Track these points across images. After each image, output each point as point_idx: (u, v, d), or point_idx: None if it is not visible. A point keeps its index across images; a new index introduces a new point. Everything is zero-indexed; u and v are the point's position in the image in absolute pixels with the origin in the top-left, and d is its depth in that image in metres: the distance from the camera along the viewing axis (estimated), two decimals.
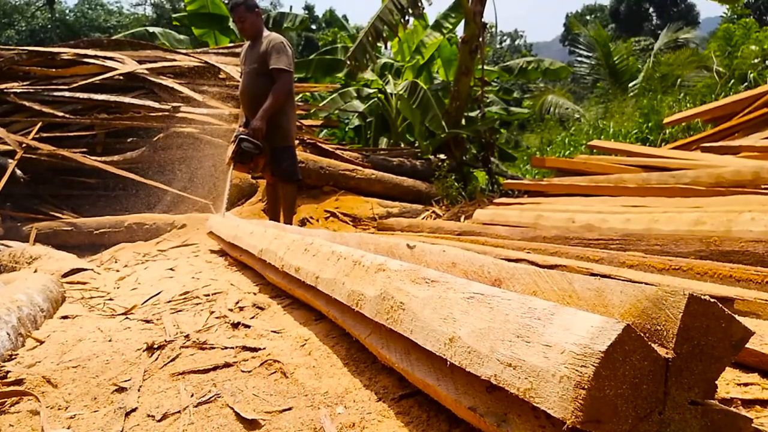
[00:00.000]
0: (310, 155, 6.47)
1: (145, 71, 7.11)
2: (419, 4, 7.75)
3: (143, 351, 1.85)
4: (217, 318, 2.23)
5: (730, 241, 2.22)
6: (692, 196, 3.48)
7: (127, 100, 6.83)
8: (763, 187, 3.37)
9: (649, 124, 9.06)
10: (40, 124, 6.48)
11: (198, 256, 4.07)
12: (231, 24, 10.20)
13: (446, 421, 1.17)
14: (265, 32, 4.20)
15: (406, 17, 7.80)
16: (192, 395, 1.45)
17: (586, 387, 0.70)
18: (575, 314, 0.81)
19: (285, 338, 1.92)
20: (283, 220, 4.28)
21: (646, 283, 1.22)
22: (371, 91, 10.51)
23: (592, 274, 1.88)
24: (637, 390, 0.74)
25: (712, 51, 11.43)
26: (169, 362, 1.72)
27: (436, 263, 1.59)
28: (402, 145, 9.38)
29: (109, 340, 2.01)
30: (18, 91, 6.78)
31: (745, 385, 1.24)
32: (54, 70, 7.16)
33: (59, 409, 1.44)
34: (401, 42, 10.34)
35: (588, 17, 38.84)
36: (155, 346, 1.86)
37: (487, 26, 8.17)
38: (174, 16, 13.10)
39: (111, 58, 7.28)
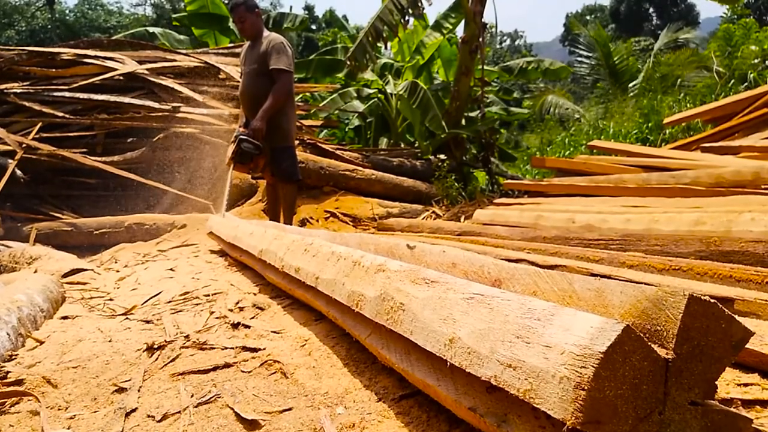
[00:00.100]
0: (310, 155, 6.47)
1: (145, 71, 7.11)
2: (419, 5, 7.75)
3: (143, 351, 1.85)
4: (217, 318, 2.23)
5: (730, 241, 2.22)
6: (692, 197, 3.48)
7: (127, 100, 6.84)
8: (763, 187, 3.37)
9: (649, 125, 9.06)
10: (40, 125, 6.48)
11: (198, 257, 4.07)
12: (231, 24, 10.20)
13: (446, 422, 1.17)
14: (265, 32, 4.20)
15: (406, 17, 7.80)
16: (192, 395, 1.45)
17: (586, 388, 0.70)
18: (575, 315, 0.81)
19: (285, 338, 1.92)
20: (283, 220, 4.28)
21: (646, 284, 1.22)
22: (371, 91, 10.51)
23: (592, 275, 1.88)
24: (637, 390, 0.74)
25: (712, 51, 11.43)
26: (169, 362, 1.72)
27: (436, 263, 1.59)
28: (402, 146, 9.38)
29: (109, 341, 2.01)
30: (18, 91, 6.78)
31: (745, 385, 1.24)
32: (54, 70, 7.17)
33: (59, 409, 1.44)
34: (401, 42, 10.35)
35: (588, 17, 38.85)
36: (155, 346, 1.86)
37: (487, 26, 8.17)
38: (174, 16, 13.10)
39: (111, 59, 7.28)
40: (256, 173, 4.87)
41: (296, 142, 5.24)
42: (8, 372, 1.65)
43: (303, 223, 5.51)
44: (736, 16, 11.91)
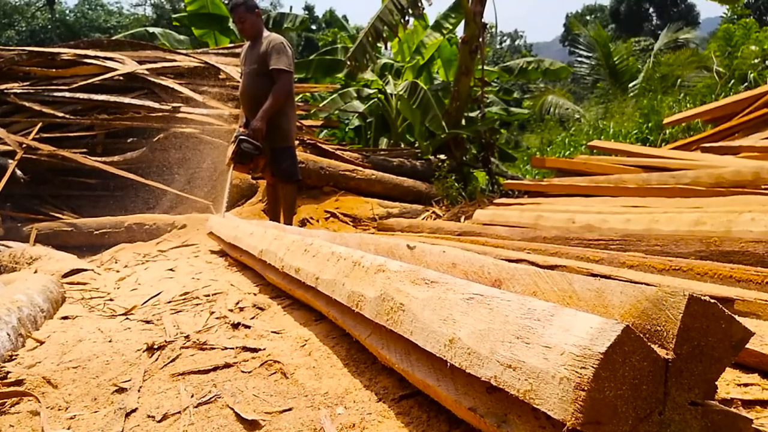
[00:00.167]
0: (311, 156, 6.47)
1: (145, 72, 7.11)
2: (419, 5, 7.75)
3: (143, 351, 1.85)
4: (217, 318, 2.23)
5: (730, 241, 2.22)
6: (692, 197, 3.48)
7: (127, 100, 6.84)
8: (763, 187, 3.37)
9: (649, 125, 9.06)
10: (40, 125, 6.48)
11: (198, 257, 4.07)
12: (231, 24, 10.19)
13: (446, 422, 1.17)
14: (265, 33, 4.20)
15: (406, 17, 7.80)
16: (192, 396, 1.45)
17: (585, 388, 0.70)
18: (575, 315, 0.81)
19: (285, 339, 1.92)
20: (283, 220, 4.28)
21: (647, 284, 1.22)
22: (371, 91, 10.51)
23: (592, 275, 1.88)
24: (637, 391, 0.74)
25: (712, 51, 11.43)
26: (169, 363, 1.72)
27: (437, 264, 1.59)
28: (402, 146, 9.38)
29: (110, 341, 2.01)
30: (18, 91, 6.79)
31: (746, 385, 1.24)
32: (54, 70, 7.17)
33: (59, 409, 1.44)
34: (401, 42, 10.35)
35: (588, 17, 38.86)
36: (155, 346, 1.86)
37: (487, 26, 8.17)
38: (174, 16, 13.11)
39: (111, 59, 7.28)
40: (256, 173, 4.88)
41: (296, 142, 5.24)
42: (8, 372, 1.65)
43: (303, 223, 5.51)
44: (736, 16, 11.90)
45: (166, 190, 6.27)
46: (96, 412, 1.42)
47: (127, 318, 2.37)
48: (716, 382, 0.82)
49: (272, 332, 2.00)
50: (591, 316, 0.80)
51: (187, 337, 1.96)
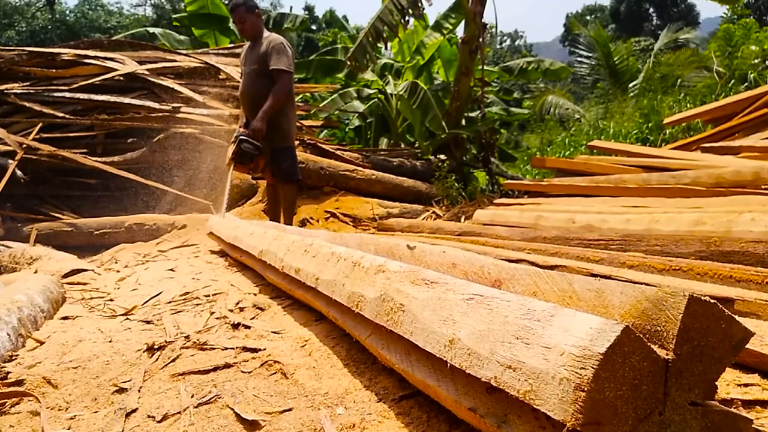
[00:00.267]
0: (311, 156, 6.47)
1: (146, 72, 7.12)
2: (419, 5, 7.75)
3: (143, 352, 1.85)
4: (217, 319, 2.23)
5: (731, 241, 2.21)
6: (692, 197, 3.47)
7: (127, 100, 6.84)
8: (763, 187, 3.37)
9: (650, 125, 9.05)
10: (40, 125, 6.48)
11: (198, 257, 4.07)
12: (231, 25, 10.20)
13: (446, 422, 1.17)
14: (266, 33, 4.20)
15: (406, 18, 7.80)
16: (192, 396, 1.45)
17: (585, 389, 0.70)
18: (574, 315, 0.81)
19: (285, 339, 1.92)
20: (284, 220, 4.28)
21: (647, 284, 1.22)
22: (371, 91, 10.51)
23: (593, 275, 1.88)
24: (636, 391, 0.74)
25: (712, 51, 11.43)
26: (169, 363, 1.72)
27: (437, 264, 1.59)
28: (402, 146, 9.38)
29: (110, 341, 2.01)
30: (18, 91, 6.79)
31: (746, 385, 1.24)
32: (54, 70, 7.17)
33: (59, 409, 1.44)
34: (401, 42, 10.35)
35: (588, 17, 38.87)
36: (155, 346, 1.86)
37: (487, 27, 8.17)
38: (174, 16, 13.11)
39: (111, 59, 7.28)
40: (257, 173, 4.88)
41: (296, 142, 5.24)
42: (8, 372, 1.65)
43: (303, 223, 5.51)
44: (736, 16, 11.90)
45: (167, 191, 6.27)
46: (96, 412, 1.42)
47: (127, 318, 2.37)
48: (716, 383, 0.82)
49: (272, 332, 2.00)
50: (591, 316, 0.80)
51: (187, 337, 1.96)
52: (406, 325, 1.16)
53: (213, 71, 7.53)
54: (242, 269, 3.31)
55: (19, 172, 5.92)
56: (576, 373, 0.72)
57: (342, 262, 1.66)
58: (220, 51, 8.35)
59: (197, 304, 2.51)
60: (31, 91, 6.84)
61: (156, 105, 6.82)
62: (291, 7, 48.83)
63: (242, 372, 1.61)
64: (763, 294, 1.66)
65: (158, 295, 2.77)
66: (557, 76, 11.23)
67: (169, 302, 2.61)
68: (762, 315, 1.55)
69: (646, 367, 0.74)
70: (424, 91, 8.72)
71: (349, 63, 7.88)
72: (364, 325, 1.48)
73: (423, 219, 5.76)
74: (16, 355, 1.85)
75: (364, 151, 7.79)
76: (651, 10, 36.97)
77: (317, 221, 5.65)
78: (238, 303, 2.46)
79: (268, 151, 4.11)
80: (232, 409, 1.35)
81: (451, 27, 10.11)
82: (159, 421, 1.33)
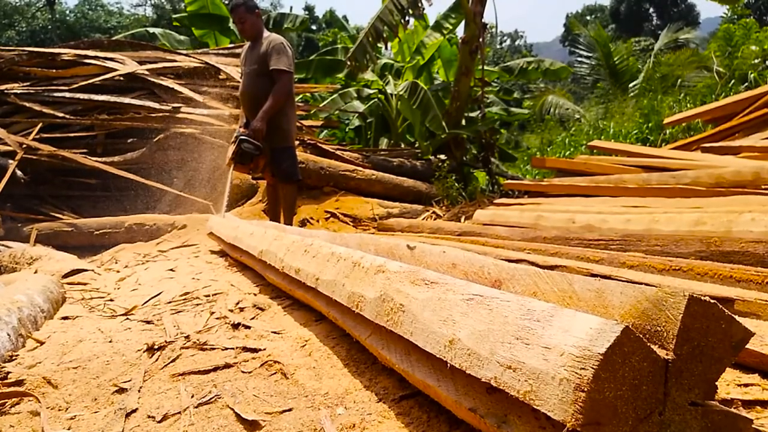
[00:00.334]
0: (311, 156, 6.47)
1: (146, 72, 7.12)
2: (419, 5, 7.75)
3: (143, 352, 1.85)
4: (217, 319, 2.23)
5: (731, 241, 2.21)
6: (692, 197, 3.47)
7: (127, 100, 6.84)
8: (763, 187, 3.37)
9: (650, 125, 9.05)
10: (40, 125, 6.48)
11: (198, 257, 4.07)
12: (231, 25, 10.20)
13: (446, 422, 1.17)
14: (266, 33, 4.20)
15: (407, 18, 7.80)
16: (192, 396, 1.45)
17: (585, 389, 0.70)
18: (574, 316, 0.81)
19: (285, 339, 1.92)
20: (284, 220, 4.28)
21: (647, 284, 1.22)
22: (371, 91, 10.52)
23: (593, 275, 1.88)
24: (636, 391, 0.74)
25: (712, 51, 11.42)
26: (169, 363, 1.72)
27: (437, 264, 1.59)
28: (402, 146, 9.38)
29: (110, 341, 2.01)
30: (18, 91, 6.79)
31: (746, 385, 1.24)
32: (54, 70, 7.17)
33: (59, 409, 1.44)
34: (401, 42, 10.35)
35: (588, 17, 38.88)
36: (155, 346, 1.86)
37: (488, 27, 8.16)
38: (174, 16, 13.11)
39: (111, 59, 7.28)
40: (257, 173, 4.88)
41: (296, 142, 5.24)
42: (9, 372, 1.65)
43: (303, 223, 5.51)
44: (736, 16, 11.90)
45: (167, 191, 6.27)
46: (96, 412, 1.42)
47: (127, 318, 2.37)
48: (716, 383, 0.82)
49: (272, 332, 2.00)
50: (590, 316, 0.80)
51: (187, 337, 1.96)
52: (406, 326, 1.16)
53: (213, 71, 7.53)
54: (242, 269, 3.32)
55: (19, 172, 5.92)
56: (576, 373, 0.72)
57: (342, 263, 1.66)
58: (220, 51, 8.35)
59: (197, 304, 2.51)
60: (31, 91, 6.84)
61: (156, 105, 6.82)
62: (291, 7, 48.87)
63: (242, 372, 1.61)
64: (763, 294, 1.66)
65: (158, 295, 2.77)
66: (557, 76, 11.23)
67: (169, 302, 2.61)
68: (762, 315, 1.55)
69: (646, 367, 0.74)
70: (424, 91, 8.72)
71: (349, 63, 7.88)
72: (364, 325, 1.48)
73: (423, 219, 5.76)
74: (16, 355, 1.85)
75: (364, 151, 7.79)
76: (651, 10, 36.97)
77: (317, 221, 5.65)
78: (238, 303, 2.46)
79: (268, 151, 4.11)
80: (232, 409, 1.35)
81: (451, 27, 10.11)
82: (159, 421, 1.33)
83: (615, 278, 1.89)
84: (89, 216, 6.02)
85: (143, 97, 7.01)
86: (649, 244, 2.51)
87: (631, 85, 14.16)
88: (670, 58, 14.06)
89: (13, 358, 1.83)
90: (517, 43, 54.89)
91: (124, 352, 1.86)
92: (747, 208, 2.60)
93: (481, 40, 7.89)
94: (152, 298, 2.71)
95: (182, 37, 12.07)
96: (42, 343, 2.01)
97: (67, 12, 32.69)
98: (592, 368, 0.70)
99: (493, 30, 9.86)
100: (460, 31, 9.28)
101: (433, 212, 6.08)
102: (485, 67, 8.46)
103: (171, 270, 3.52)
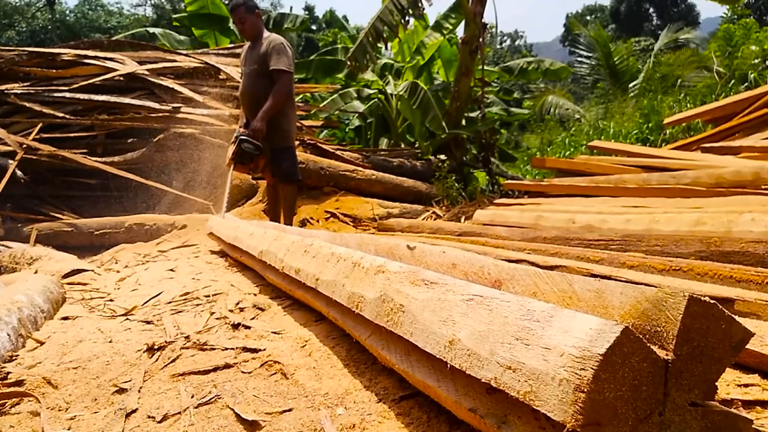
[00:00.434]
0: (311, 156, 6.47)
1: (146, 72, 7.12)
2: (419, 5, 7.75)
3: (144, 352, 1.85)
4: (217, 319, 2.23)
5: (731, 241, 2.21)
6: (692, 197, 3.47)
7: (127, 100, 6.84)
8: (763, 187, 3.37)
9: (650, 125, 9.05)
10: (40, 125, 6.48)
11: (198, 257, 4.07)
12: (231, 25, 10.20)
13: (446, 423, 1.17)
14: (266, 33, 4.20)
15: (407, 18, 7.80)
16: (192, 396, 1.45)
17: (585, 390, 0.70)
18: (574, 316, 0.81)
19: (285, 339, 1.92)
20: (284, 220, 4.28)
21: (647, 284, 1.22)
22: (371, 91, 10.51)
23: (593, 275, 1.88)
24: (636, 392, 0.74)
25: (712, 51, 11.42)
26: (169, 363, 1.72)
27: (437, 264, 1.59)
28: (402, 146, 9.38)
29: (110, 341, 2.01)
30: (18, 92, 6.79)
31: (746, 386, 1.24)
32: (54, 70, 7.17)
33: (59, 410, 1.44)
34: (401, 42, 10.35)
35: (588, 17, 38.88)
36: (156, 347, 1.86)
37: (488, 27, 8.16)
38: (174, 16, 13.11)
39: (111, 59, 7.28)
40: (257, 174, 4.88)
41: (296, 142, 5.24)
42: (9, 373, 1.65)
43: (303, 223, 5.51)
44: (736, 16, 11.90)
45: (166, 191, 6.27)
46: (96, 412, 1.42)
47: (127, 318, 2.37)
48: (716, 383, 0.82)
49: (272, 333, 2.00)
50: (590, 317, 0.80)
51: (187, 337, 1.96)
52: (406, 326, 1.16)
53: (213, 71, 7.53)
54: (242, 269, 3.32)
55: (19, 172, 5.92)
56: (576, 374, 0.72)
57: (342, 263, 1.66)
58: (220, 51, 8.35)
59: (197, 305, 2.51)
60: (31, 91, 6.84)
61: (156, 105, 6.82)
62: (291, 7, 48.87)
63: (242, 372, 1.61)
64: (763, 294, 1.66)
65: (158, 295, 2.77)
66: (557, 76, 11.23)
67: (169, 302, 2.61)
68: (762, 315, 1.55)
69: (646, 367, 0.74)
70: (424, 91, 8.72)
71: (349, 63, 7.87)
72: (364, 325, 1.48)
73: (423, 219, 5.76)
74: (17, 356, 1.85)
75: (364, 151, 7.79)
76: (651, 10, 36.97)
77: (317, 221, 5.65)
78: (238, 303, 2.46)
79: (268, 151, 4.11)
80: (232, 410, 1.35)
81: (451, 27, 10.11)
82: (159, 422, 1.33)
83: (615, 278, 1.89)
84: (89, 216, 6.02)
85: (143, 97, 7.01)
86: (649, 245, 2.51)
87: (631, 85, 14.16)
88: (670, 58, 14.06)
89: (13, 358, 1.83)
90: (517, 43, 54.90)
91: (124, 353, 1.86)
92: (747, 208, 2.60)
93: (481, 40, 7.89)
94: (152, 298, 2.71)
95: (182, 37, 12.07)
96: (42, 344, 2.01)
97: (67, 12, 32.69)
98: (592, 369, 0.70)
99: (493, 30, 9.86)
100: (460, 31, 9.29)
101: (433, 212, 6.08)
102: (485, 67, 8.46)
103: (171, 270, 3.52)
